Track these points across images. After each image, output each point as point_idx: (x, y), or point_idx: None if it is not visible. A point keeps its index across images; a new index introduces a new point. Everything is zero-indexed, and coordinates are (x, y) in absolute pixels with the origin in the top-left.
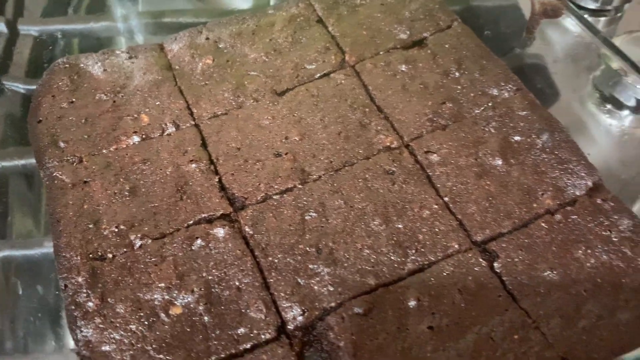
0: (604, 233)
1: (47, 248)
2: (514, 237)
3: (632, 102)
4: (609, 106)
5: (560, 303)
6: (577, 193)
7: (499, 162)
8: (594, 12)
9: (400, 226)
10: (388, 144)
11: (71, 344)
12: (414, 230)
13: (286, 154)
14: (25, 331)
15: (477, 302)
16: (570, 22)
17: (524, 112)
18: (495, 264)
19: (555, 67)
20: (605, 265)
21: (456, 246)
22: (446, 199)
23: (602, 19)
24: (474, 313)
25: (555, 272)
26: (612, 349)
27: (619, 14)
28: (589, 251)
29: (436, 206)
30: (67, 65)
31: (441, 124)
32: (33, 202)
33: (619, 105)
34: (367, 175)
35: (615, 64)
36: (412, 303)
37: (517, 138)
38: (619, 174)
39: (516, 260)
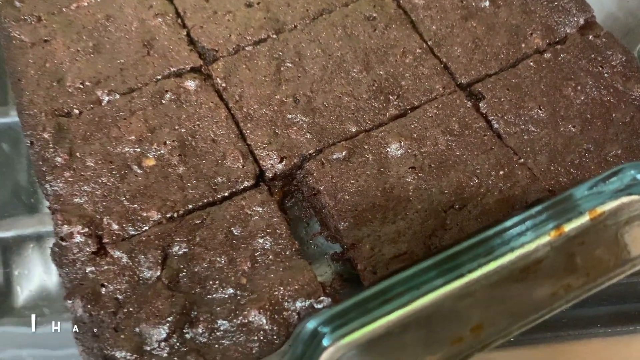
0: (595, 69)
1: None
2: (501, 78)
3: None
4: None
5: (548, 139)
6: (568, 31)
7: (486, 3)
8: None
9: (381, 72)
10: None
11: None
12: (397, 75)
13: (258, 3)
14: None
15: (461, 143)
16: None
17: None
18: (481, 105)
19: None
20: (596, 101)
21: (440, 89)
22: (430, 42)
23: None
24: (457, 152)
25: (543, 110)
26: None
27: None
28: (579, 88)
29: (420, 50)
30: None
31: None
32: None
33: None
34: (346, 22)
35: None
36: (393, 146)
37: None
38: (625, 21)
39: (503, 100)
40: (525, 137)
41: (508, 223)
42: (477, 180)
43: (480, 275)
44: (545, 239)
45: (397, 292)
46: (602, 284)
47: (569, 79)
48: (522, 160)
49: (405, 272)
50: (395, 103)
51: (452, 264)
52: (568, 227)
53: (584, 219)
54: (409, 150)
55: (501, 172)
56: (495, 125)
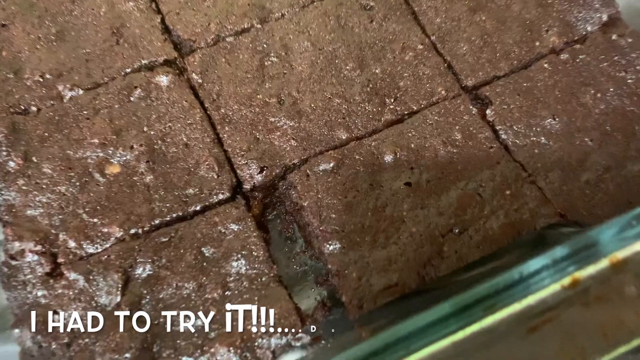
0: (618, 74)
1: None
2: (511, 81)
3: None
4: None
5: (561, 154)
6: (589, 28)
7: None
8: None
9: (377, 71)
10: None
11: None
12: (394, 75)
13: None
14: None
15: (464, 155)
16: None
17: None
18: (488, 112)
19: None
20: (617, 111)
21: (443, 92)
22: (433, 37)
23: None
24: (459, 167)
25: (557, 120)
26: (618, 203)
27: None
28: (598, 95)
29: (421, 46)
30: None
31: None
32: None
33: None
34: (340, 12)
35: None
36: (387, 158)
37: None
38: None
39: (512, 106)
40: (535, 150)
41: (516, 275)
42: (479, 200)
43: (481, 330)
44: (556, 288)
45: (387, 354)
46: (622, 347)
47: (587, 84)
48: (532, 177)
49: (399, 327)
50: (391, 107)
51: (453, 319)
52: (583, 275)
53: (603, 265)
54: (405, 163)
55: (508, 192)
56: (503, 136)
